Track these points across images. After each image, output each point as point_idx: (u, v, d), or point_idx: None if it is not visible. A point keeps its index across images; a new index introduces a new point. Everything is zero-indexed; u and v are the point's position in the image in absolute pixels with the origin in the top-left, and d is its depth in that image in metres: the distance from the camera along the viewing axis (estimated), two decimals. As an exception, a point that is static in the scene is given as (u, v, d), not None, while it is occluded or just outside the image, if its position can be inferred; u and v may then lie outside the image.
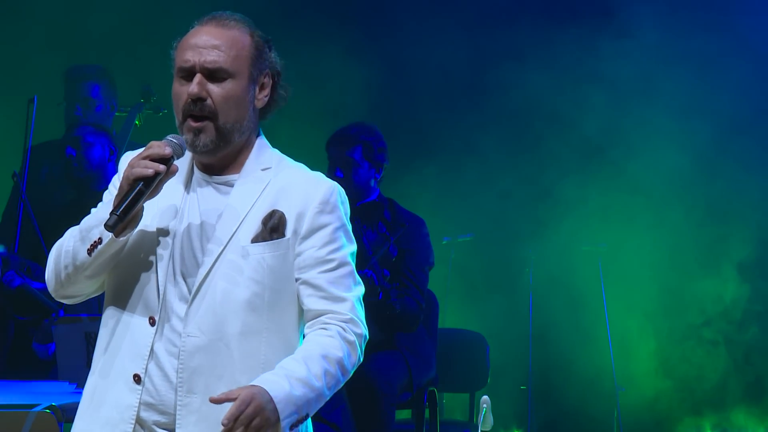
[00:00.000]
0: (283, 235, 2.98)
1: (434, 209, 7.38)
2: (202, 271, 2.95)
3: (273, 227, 2.98)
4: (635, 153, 7.88)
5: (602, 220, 7.81)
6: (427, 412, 5.82)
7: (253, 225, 2.98)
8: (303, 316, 3.02)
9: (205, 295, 2.94)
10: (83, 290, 3.03)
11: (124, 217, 2.85)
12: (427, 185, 7.96)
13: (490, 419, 4.02)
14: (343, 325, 2.96)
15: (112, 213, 2.84)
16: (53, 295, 3.04)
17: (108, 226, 2.84)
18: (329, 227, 3.01)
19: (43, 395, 4.22)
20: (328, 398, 2.93)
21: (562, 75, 7.93)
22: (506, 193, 7.93)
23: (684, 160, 7.76)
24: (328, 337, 2.94)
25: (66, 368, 4.67)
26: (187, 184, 3.04)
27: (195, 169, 3.06)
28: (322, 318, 2.96)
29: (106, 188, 3.10)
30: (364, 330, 2.99)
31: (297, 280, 2.99)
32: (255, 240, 2.97)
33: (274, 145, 3.13)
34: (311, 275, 2.97)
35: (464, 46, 8.15)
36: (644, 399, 7.85)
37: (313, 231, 2.99)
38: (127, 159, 3.06)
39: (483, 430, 4.00)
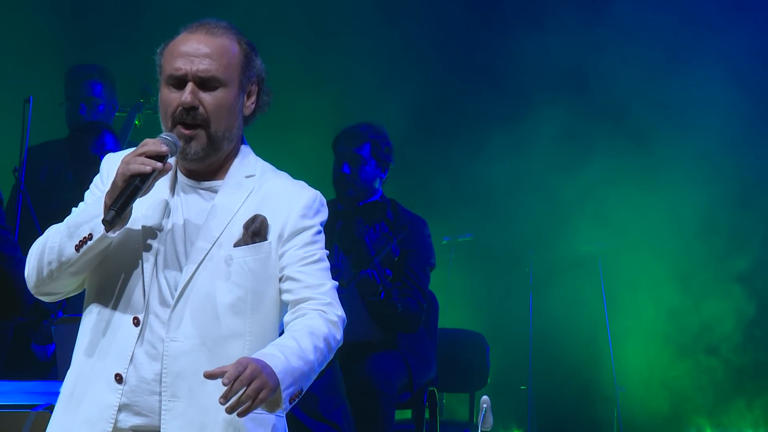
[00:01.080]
0: (265, 239, 3.02)
1: (434, 209, 7.37)
2: (186, 276, 2.98)
3: (255, 231, 3.02)
4: (635, 152, 7.87)
5: (603, 220, 7.80)
6: (427, 412, 5.82)
7: (237, 230, 3.02)
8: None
9: (188, 299, 2.97)
10: (64, 287, 3.04)
11: (122, 212, 2.86)
12: (428, 185, 7.95)
13: (490, 419, 4.01)
14: (323, 308, 2.99)
15: (110, 208, 2.85)
16: (32, 292, 3.05)
17: (106, 222, 2.85)
18: (311, 230, 3.06)
19: (43, 395, 4.21)
20: (317, 375, 2.95)
21: (564, 74, 7.92)
22: (506, 193, 7.92)
23: (690, 156, 7.74)
24: (310, 318, 2.97)
25: (66, 368, 4.66)
26: (172, 189, 3.07)
27: (179, 174, 3.09)
28: (301, 306, 3.00)
29: None
30: (343, 314, 3.04)
31: (280, 279, 3.03)
32: (237, 244, 3.01)
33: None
34: (291, 270, 3.02)
35: (467, 41, 8.14)
36: (645, 399, 7.83)
37: (295, 233, 3.04)
38: (109, 160, 3.10)
39: (483, 430, 3.99)
